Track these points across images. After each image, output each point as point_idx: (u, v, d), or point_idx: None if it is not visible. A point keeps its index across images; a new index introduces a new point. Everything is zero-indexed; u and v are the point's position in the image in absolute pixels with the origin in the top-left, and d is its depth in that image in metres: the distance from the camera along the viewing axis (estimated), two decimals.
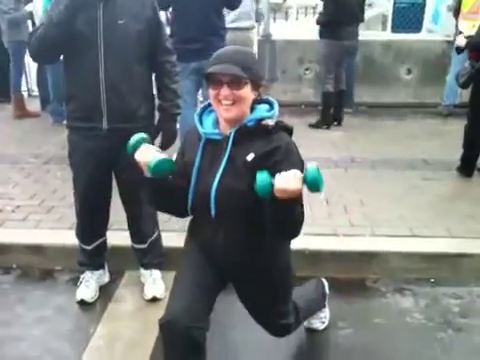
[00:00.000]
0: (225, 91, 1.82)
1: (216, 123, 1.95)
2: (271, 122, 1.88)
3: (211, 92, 1.87)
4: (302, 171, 1.78)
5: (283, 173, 1.68)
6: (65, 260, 3.28)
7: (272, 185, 1.68)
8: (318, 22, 5.93)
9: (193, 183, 1.95)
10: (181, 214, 2.12)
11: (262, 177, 1.70)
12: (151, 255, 3.01)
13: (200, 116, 2.00)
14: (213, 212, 1.91)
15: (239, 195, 1.85)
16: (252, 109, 1.92)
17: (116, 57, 2.52)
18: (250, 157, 1.85)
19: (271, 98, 2.00)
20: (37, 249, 3.35)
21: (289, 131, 1.94)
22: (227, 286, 2.18)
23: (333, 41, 5.78)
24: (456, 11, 6.32)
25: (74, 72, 2.58)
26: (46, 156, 4.94)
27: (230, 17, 5.42)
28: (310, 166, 1.69)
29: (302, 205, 1.83)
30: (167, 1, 4.21)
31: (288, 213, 1.76)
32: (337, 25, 5.75)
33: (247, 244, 1.97)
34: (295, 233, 1.87)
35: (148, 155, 1.89)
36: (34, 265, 3.33)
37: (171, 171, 1.93)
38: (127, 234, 3.02)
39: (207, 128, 1.95)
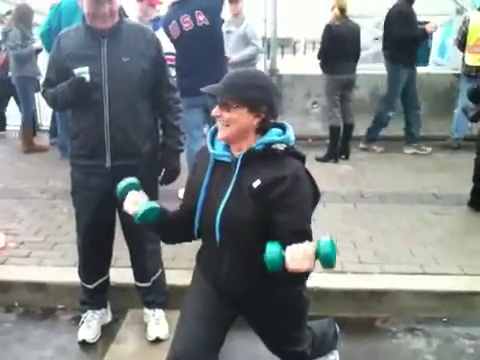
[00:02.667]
0: (216, 111, 1.86)
1: (227, 145, 1.93)
2: (281, 147, 1.84)
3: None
4: (317, 197, 1.84)
5: (294, 247, 1.64)
6: (68, 298, 3.21)
7: (283, 259, 1.64)
8: (318, 57, 6.14)
9: (200, 205, 1.93)
10: (191, 239, 2.09)
11: (272, 252, 1.66)
12: (155, 293, 2.95)
13: (212, 137, 1.99)
14: (218, 238, 1.88)
15: (244, 223, 1.82)
16: (265, 133, 1.89)
17: (120, 94, 2.52)
18: (256, 184, 1.81)
19: (286, 122, 1.96)
20: (39, 287, 3.29)
21: (300, 158, 1.90)
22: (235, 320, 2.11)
23: (331, 75, 5.93)
24: (460, 44, 6.35)
25: (80, 110, 2.58)
26: (53, 191, 4.94)
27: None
28: (323, 240, 1.65)
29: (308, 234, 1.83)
30: (170, 38, 4.27)
31: (298, 278, 1.75)
32: (334, 59, 5.87)
33: (252, 273, 1.90)
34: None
35: (134, 204, 1.94)
36: (36, 303, 3.26)
37: (157, 219, 1.96)
38: (130, 271, 2.96)
39: (217, 150, 1.94)
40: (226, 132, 1.85)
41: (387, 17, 6.25)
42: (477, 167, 4.37)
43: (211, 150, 1.93)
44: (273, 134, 1.89)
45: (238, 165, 1.86)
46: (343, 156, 6.05)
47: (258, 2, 7.51)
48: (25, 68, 6.26)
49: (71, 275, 3.13)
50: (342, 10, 5.80)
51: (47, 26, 5.26)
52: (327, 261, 1.64)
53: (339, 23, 5.86)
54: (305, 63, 18.69)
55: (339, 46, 5.84)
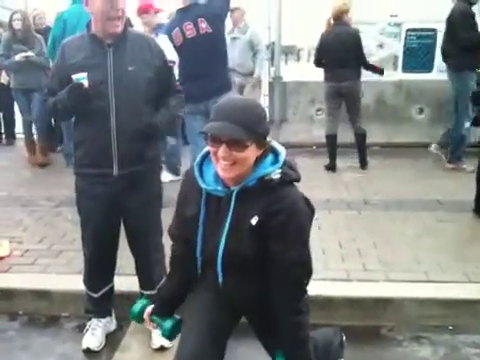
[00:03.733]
0: (223, 152, 1.68)
1: (218, 176, 1.81)
2: (275, 176, 1.76)
3: (210, 149, 1.75)
4: (310, 220, 1.81)
5: None
6: (72, 306, 3.21)
7: None
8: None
9: (200, 243, 1.89)
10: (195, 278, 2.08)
11: None
12: None
13: (200, 166, 1.88)
14: (220, 277, 1.88)
15: (246, 258, 1.80)
16: (256, 161, 1.79)
17: (127, 103, 2.53)
18: (254, 220, 1.76)
19: (278, 146, 1.86)
20: (44, 294, 3.28)
21: (295, 181, 1.83)
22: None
23: (324, 83, 5.94)
24: None
25: (84, 118, 2.58)
26: (57, 199, 4.94)
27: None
28: None
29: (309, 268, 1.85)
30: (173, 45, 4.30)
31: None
32: (326, 67, 5.92)
33: (253, 295, 1.92)
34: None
35: (156, 324, 2.05)
36: (40, 311, 3.26)
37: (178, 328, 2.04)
38: (134, 279, 2.95)
39: (208, 182, 1.83)
40: (234, 171, 1.72)
41: (450, 23, 5.84)
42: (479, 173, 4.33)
43: (202, 184, 1.83)
44: (266, 164, 1.80)
45: (233, 202, 1.78)
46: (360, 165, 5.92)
47: (262, 9, 7.55)
48: (12, 79, 6.24)
49: (75, 283, 3.12)
50: (336, 17, 5.76)
51: (51, 41, 5.26)
52: None
53: (330, 30, 5.86)
54: (309, 70, 18.80)
55: (327, 53, 5.86)
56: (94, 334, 2.90)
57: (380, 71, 5.92)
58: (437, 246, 3.76)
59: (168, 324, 2.00)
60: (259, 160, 1.79)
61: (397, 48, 8.02)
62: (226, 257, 1.82)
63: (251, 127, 1.68)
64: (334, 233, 3.87)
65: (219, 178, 1.82)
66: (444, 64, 8.21)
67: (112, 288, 2.94)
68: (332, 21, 5.81)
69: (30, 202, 4.89)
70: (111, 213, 2.67)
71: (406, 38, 7.63)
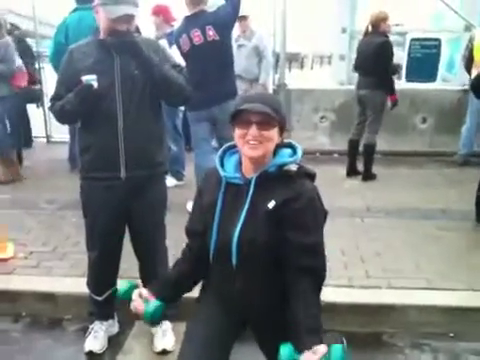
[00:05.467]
0: (254, 131, 1.81)
1: (238, 166, 1.93)
2: (293, 168, 1.86)
3: (238, 132, 1.85)
4: (325, 217, 1.87)
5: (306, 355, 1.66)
6: (75, 308, 3.23)
7: None
8: None
9: (215, 230, 1.92)
10: (204, 274, 2.10)
11: (286, 353, 1.69)
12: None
13: (221, 158, 1.98)
14: (234, 261, 1.88)
15: (261, 244, 1.82)
16: (275, 153, 1.91)
17: (134, 107, 2.56)
18: (271, 204, 1.82)
19: (294, 142, 1.97)
20: (47, 297, 3.31)
21: (311, 177, 1.92)
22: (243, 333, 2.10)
23: (355, 90, 5.95)
24: (468, 60, 6.36)
25: (91, 123, 2.59)
26: (61, 201, 4.97)
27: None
28: (335, 346, 1.67)
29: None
30: (180, 52, 4.34)
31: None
32: (358, 74, 5.95)
33: (266, 290, 1.92)
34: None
35: (140, 305, 1.99)
36: (44, 313, 3.28)
37: (162, 315, 2.04)
38: (137, 282, 2.96)
39: (228, 171, 1.93)
40: (261, 150, 1.83)
41: None
42: None
43: (222, 173, 1.93)
44: (285, 155, 1.91)
45: (252, 187, 1.86)
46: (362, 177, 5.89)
47: (267, 17, 7.59)
48: None
49: (79, 285, 3.15)
50: (373, 25, 5.73)
51: (54, 48, 5.12)
52: None
53: (364, 38, 5.89)
54: (312, 78, 18.84)
55: (357, 61, 5.96)
56: (97, 337, 2.92)
57: (393, 103, 5.81)
58: (439, 254, 3.77)
59: (150, 308, 1.97)
60: (278, 151, 1.91)
61: (401, 57, 8.06)
62: (241, 244, 1.84)
63: (277, 109, 1.84)
64: (337, 240, 3.88)
65: (239, 168, 1.92)
66: (448, 73, 8.29)
67: (116, 291, 2.95)
68: (370, 29, 5.80)
69: (33, 205, 4.92)
70: (117, 216, 2.69)
71: (410, 47, 7.66)
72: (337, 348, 1.66)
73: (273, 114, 1.80)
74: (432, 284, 3.33)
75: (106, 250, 2.77)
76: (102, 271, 2.83)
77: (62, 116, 2.71)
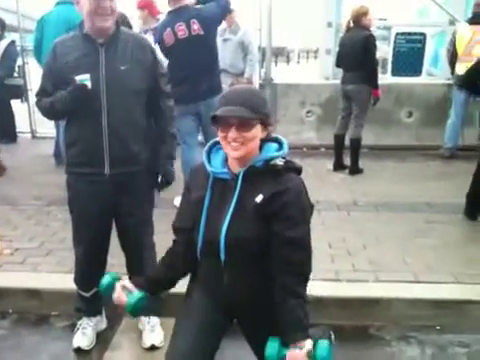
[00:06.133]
0: (233, 134, 1.80)
1: (225, 161, 1.93)
2: (280, 162, 1.86)
3: (219, 134, 1.86)
4: (311, 211, 1.87)
5: (292, 351, 1.68)
6: (62, 305, 3.21)
7: (283, 357, 1.69)
8: None
9: (202, 225, 1.91)
10: (190, 269, 2.10)
11: (272, 350, 1.71)
12: (150, 299, 2.94)
13: (208, 154, 1.98)
14: (222, 257, 1.87)
15: (249, 239, 1.82)
16: (261, 148, 1.90)
17: (119, 102, 2.54)
18: (259, 199, 1.82)
19: (280, 137, 1.97)
20: (34, 293, 3.28)
21: (298, 171, 1.92)
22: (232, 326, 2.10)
23: (340, 85, 5.96)
24: (452, 55, 6.42)
25: (76, 118, 2.58)
26: (47, 198, 4.93)
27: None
28: (321, 341, 1.70)
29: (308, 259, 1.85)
30: (162, 47, 4.32)
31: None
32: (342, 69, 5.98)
33: (254, 286, 1.92)
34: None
35: (123, 296, 1.99)
36: (31, 310, 3.26)
37: (146, 306, 2.02)
38: (125, 278, 2.95)
39: (215, 166, 1.93)
40: (243, 150, 1.82)
41: None
42: (475, 175, 4.34)
43: (209, 168, 1.92)
44: (271, 149, 1.91)
45: (239, 182, 1.86)
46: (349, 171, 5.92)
47: (253, 11, 7.58)
48: None
49: (66, 282, 3.13)
50: (354, 20, 5.75)
51: (34, 44, 5.29)
52: None
53: (346, 33, 5.92)
54: (299, 72, 18.85)
55: (340, 56, 5.96)
56: (85, 333, 2.91)
57: (375, 99, 5.81)
58: (426, 247, 3.80)
59: (132, 299, 1.96)
60: (264, 146, 1.90)
61: (386, 51, 8.10)
62: (229, 239, 1.84)
63: (255, 108, 1.81)
64: (324, 234, 3.90)
65: (226, 163, 1.92)
66: (433, 68, 8.34)
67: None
68: (351, 24, 5.81)
69: (20, 201, 4.87)
70: (103, 212, 2.67)
71: (395, 42, 7.70)
72: (323, 343, 1.68)
73: (251, 115, 1.79)
74: (419, 277, 3.36)
75: (92, 246, 2.75)
76: (89, 267, 2.81)
77: (51, 113, 2.70)
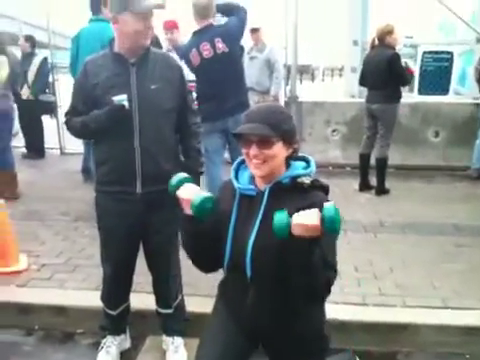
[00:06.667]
0: (254, 150, 1.84)
1: (252, 178, 1.96)
2: (307, 180, 1.87)
3: (242, 150, 1.89)
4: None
5: (301, 212, 1.65)
6: (88, 322, 3.23)
7: (290, 225, 1.65)
8: None
9: (229, 240, 1.93)
10: (208, 269, 2.09)
11: (280, 216, 1.67)
12: (175, 320, 2.94)
13: (236, 171, 2.01)
14: (248, 272, 1.88)
15: (275, 255, 1.81)
16: (288, 165, 1.92)
17: (150, 121, 2.56)
18: None
19: (307, 156, 1.98)
20: (60, 310, 3.31)
21: (325, 190, 1.92)
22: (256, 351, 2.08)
23: (365, 104, 5.92)
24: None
25: (107, 136, 2.60)
26: (75, 213, 5.00)
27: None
28: (327, 205, 1.65)
29: (332, 265, 1.79)
30: (190, 66, 4.37)
31: (308, 255, 1.69)
32: (367, 88, 5.93)
33: (277, 304, 1.90)
34: (317, 288, 1.78)
35: (191, 192, 1.90)
36: (56, 327, 3.28)
37: (213, 210, 1.91)
38: (149, 297, 2.97)
39: (242, 183, 1.96)
40: (265, 169, 1.85)
41: None
42: None
43: (236, 184, 1.95)
44: (298, 167, 1.93)
45: (265, 198, 1.88)
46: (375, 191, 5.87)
47: (279, 29, 7.63)
48: None
49: (92, 299, 3.15)
50: (379, 39, 5.72)
51: (70, 60, 5.23)
52: (332, 223, 1.62)
53: (371, 52, 5.90)
54: (324, 90, 18.83)
55: (365, 75, 5.91)
56: (109, 352, 2.91)
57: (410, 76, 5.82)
58: (454, 271, 3.73)
59: (197, 199, 1.85)
60: (291, 163, 1.92)
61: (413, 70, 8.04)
62: (255, 254, 1.84)
63: (276, 125, 1.83)
64: (350, 256, 3.86)
65: (253, 180, 1.94)
66: (460, 86, 8.24)
67: (129, 306, 2.95)
68: (376, 42, 5.79)
69: (47, 216, 4.94)
70: (133, 231, 2.69)
71: (422, 60, 7.64)
72: (330, 208, 1.63)
73: (270, 132, 1.81)
74: (447, 303, 3.30)
75: (120, 265, 2.77)
76: (116, 285, 2.83)
77: (83, 133, 2.73)
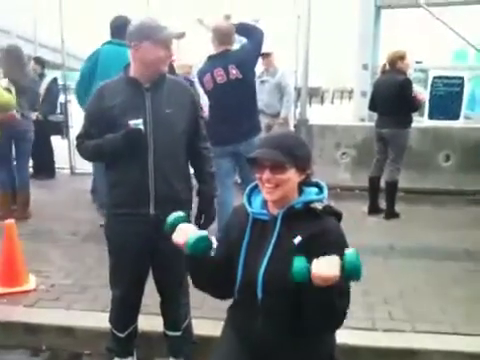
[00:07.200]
0: (267, 175, 1.86)
1: (264, 203, 1.97)
2: (319, 206, 1.88)
3: (256, 175, 1.91)
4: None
5: (321, 258, 1.65)
6: (95, 344, 3.21)
7: (309, 271, 1.64)
8: None
9: (241, 265, 1.93)
10: (221, 295, 2.11)
11: (299, 263, 1.67)
12: (183, 342, 2.92)
13: (249, 195, 2.03)
14: (259, 296, 1.88)
15: (286, 279, 1.78)
16: (301, 191, 1.94)
17: (164, 145, 2.60)
18: (297, 240, 1.84)
19: (320, 181, 2.00)
20: (67, 331, 3.31)
21: (338, 216, 1.93)
22: None
23: (375, 128, 5.93)
24: None
25: (122, 160, 2.61)
26: (84, 234, 5.02)
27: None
28: (348, 251, 1.65)
29: (347, 292, 1.79)
30: (204, 90, 4.43)
31: (326, 299, 1.70)
32: (376, 112, 5.95)
33: (287, 329, 1.89)
34: (333, 322, 1.81)
35: (186, 233, 1.92)
36: (64, 347, 3.28)
37: (210, 248, 1.93)
38: (156, 319, 2.96)
39: (255, 208, 1.98)
40: (278, 193, 1.87)
41: None
42: None
43: (249, 209, 1.97)
44: (311, 193, 1.94)
45: (278, 223, 1.89)
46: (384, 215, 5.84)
47: (290, 53, 7.71)
48: None
49: (99, 320, 3.16)
50: (390, 64, 5.74)
51: (81, 79, 5.05)
52: (353, 272, 1.62)
53: (382, 76, 5.93)
54: (333, 113, 18.91)
55: (375, 99, 5.91)
56: None
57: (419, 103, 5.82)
58: (465, 297, 3.68)
59: (192, 238, 1.88)
60: (303, 189, 1.94)
61: (424, 94, 8.06)
62: (267, 278, 1.85)
63: (289, 151, 1.85)
64: (360, 280, 3.82)
65: (265, 205, 1.96)
66: (470, 111, 8.24)
67: (136, 328, 2.93)
68: (387, 67, 5.81)
69: (56, 236, 4.96)
70: (144, 253, 2.69)
71: (432, 85, 7.66)
72: (351, 255, 1.62)
73: (283, 158, 1.84)
74: (457, 329, 3.25)
75: (131, 287, 2.76)
76: (125, 308, 2.81)
77: (96, 155, 2.77)
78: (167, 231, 2.01)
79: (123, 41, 5.00)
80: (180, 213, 2.05)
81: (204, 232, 1.93)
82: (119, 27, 4.90)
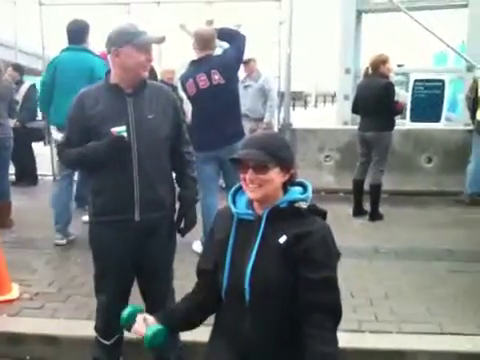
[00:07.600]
0: (251, 175, 1.87)
1: (250, 203, 1.97)
2: (304, 205, 1.88)
3: (240, 175, 1.92)
4: (336, 260, 1.85)
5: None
6: (79, 353, 3.17)
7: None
8: None
9: (227, 266, 1.92)
10: (211, 312, 2.09)
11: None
12: (170, 348, 2.89)
13: (233, 196, 2.03)
14: (247, 297, 1.87)
15: (273, 279, 1.82)
16: (286, 191, 1.93)
17: (148, 150, 2.58)
18: (282, 239, 1.83)
19: (305, 181, 2.00)
20: (52, 340, 3.26)
21: (323, 215, 1.93)
22: None
23: (358, 131, 5.98)
24: (473, 101, 6.42)
25: (106, 167, 2.59)
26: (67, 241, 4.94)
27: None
28: (151, 328, 1.82)
29: (334, 285, 1.83)
30: (186, 95, 4.42)
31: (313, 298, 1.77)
32: (359, 116, 6.00)
33: (275, 329, 1.88)
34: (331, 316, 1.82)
35: (142, 329, 1.95)
36: (48, 357, 3.22)
37: (165, 340, 1.97)
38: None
39: (240, 208, 1.97)
40: (261, 192, 1.87)
41: None
42: None
43: (234, 209, 1.96)
44: (296, 192, 1.94)
45: (263, 222, 1.89)
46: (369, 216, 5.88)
47: (273, 58, 7.74)
48: None
49: (84, 329, 3.11)
50: (373, 68, 5.78)
51: (42, 89, 5.00)
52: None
53: (364, 80, 6.00)
54: (316, 116, 19.04)
55: (358, 103, 5.97)
56: None
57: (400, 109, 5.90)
58: (450, 297, 3.71)
59: (150, 332, 1.92)
60: (288, 188, 1.94)
61: (405, 97, 8.14)
62: (253, 278, 1.84)
63: (272, 151, 1.86)
64: (345, 282, 3.80)
65: (250, 205, 1.96)
66: (451, 112, 8.35)
67: (122, 335, 2.90)
68: (370, 71, 5.86)
69: (39, 244, 4.90)
70: (130, 259, 2.67)
71: (414, 88, 7.75)
72: None
73: (267, 158, 1.84)
74: (443, 328, 3.27)
75: (116, 294, 2.72)
76: (112, 315, 2.76)
77: (79, 163, 2.76)
78: (123, 326, 2.04)
79: (80, 46, 4.93)
80: (135, 306, 2.07)
81: (157, 326, 1.95)
82: (76, 32, 4.84)
